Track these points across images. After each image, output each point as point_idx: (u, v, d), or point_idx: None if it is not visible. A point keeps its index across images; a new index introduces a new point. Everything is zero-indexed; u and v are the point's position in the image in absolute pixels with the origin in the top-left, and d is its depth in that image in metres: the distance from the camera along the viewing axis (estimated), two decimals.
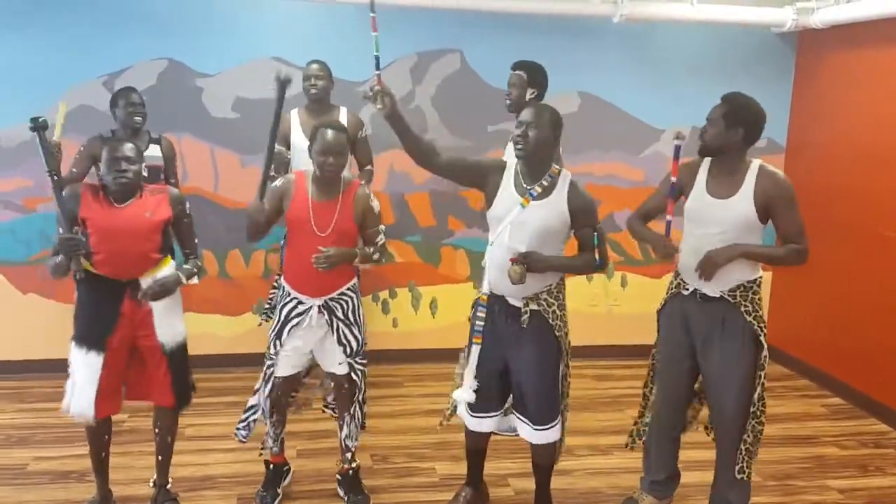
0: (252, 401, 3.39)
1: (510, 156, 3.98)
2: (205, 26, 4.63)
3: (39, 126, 2.91)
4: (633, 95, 5.09)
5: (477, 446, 3.35)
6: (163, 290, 2.99)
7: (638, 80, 5.07)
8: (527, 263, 2.85)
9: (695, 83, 5.04)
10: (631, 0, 4.59)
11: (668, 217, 3.00)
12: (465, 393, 3.12)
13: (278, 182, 3.21)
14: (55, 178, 2.92)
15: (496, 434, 3.31)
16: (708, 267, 2.90)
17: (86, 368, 2.99)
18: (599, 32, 4.93)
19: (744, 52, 5.13)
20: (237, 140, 4.76)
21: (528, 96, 3.90)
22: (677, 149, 2.94)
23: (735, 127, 2.88)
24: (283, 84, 3.00)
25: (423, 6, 4.56)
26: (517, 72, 3.91)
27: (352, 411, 3.37)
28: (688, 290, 3.06)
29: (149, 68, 4.61)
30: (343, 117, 4.23)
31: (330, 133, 3.06)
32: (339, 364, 3.28)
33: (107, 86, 4.52)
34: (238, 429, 3.41)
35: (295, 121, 4.20)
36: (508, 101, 3.93)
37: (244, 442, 3.42)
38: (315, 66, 4.15)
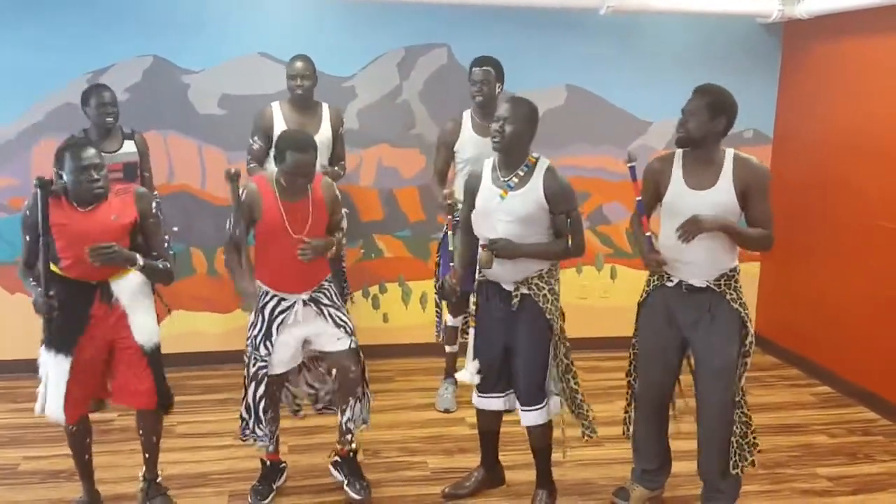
0: (243, 410, 3.34)
1: (468, 138, 4.08)
2: (190, 23, 4.60)
3: (44, 184, 2.85)
4: (620, 88, 5.09)
5: (487, 427, 3.41)
6: (113, 253, 2.84)
7: (625, 72, 5.07)
8: (494, 250, 2.97)
9: (681, 75, 5.00)
10: None
11: (647, 234, 3.02)
12: (465, 374, 3.23)
13: (241, 193, 3.14)
14: (46, 237, 2.86)
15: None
16: (692, 228, 2.86)
17: (56, 371, 2.96)
18: (586, 25, 4.93)
19: (730, 44, 5.14)
20: (224, 137, 4.74)
21: (497, 90, 3.99)
22: (632, 170, 2.99)
23: (719, 116, 2.90)
24: (234, 178, 3.07)
25: (410, 0, 4.56)
26: (484, 68, 3.99)
27: (358, 395, 3.36)
28: (672, 281, 3.08)
29: (134, 65, 4.59)
30: (325, 113, 4.23)
31: (300, 156, 3.02)
32: (339, 339, 3.28)
33: (91, 83, 4.47)
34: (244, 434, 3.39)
35: (277, 115, 4.17)
36: (480, 98, 4.00)
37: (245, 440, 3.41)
38: (300, 64, 4.11)
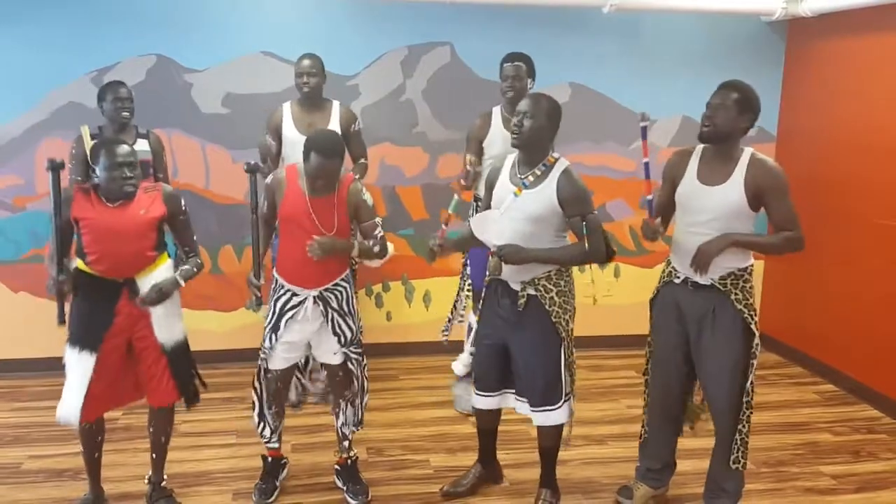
0: (255, 397, 3.39)
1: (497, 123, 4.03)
2: (193, 21, 4.60)
3: (56, 167, 2.86)
4: (623, 86, 5.09)
5: (485, 425, 3.42)
6: (161, 295, 2.99)
7: (628, 70, 5.07)
8: (502, 256, 2.95)
9: (685, 73, 5.05)
10: None
11: (648, 197, 3.01)
12: (459, 364, 3.21)
13: (268, 180, 3.21)
14: (58, 218, 2.87)
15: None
16: (703, 259, 2.89)
17: (78, 369, 2.96)
18: (589, 23, 4.92)
19: (733, 41, 5.13)
20: (228, 135, 4.74)
21: (528, 86, 3.92)
22: (644, 129, 2.98)
23: (746, 113, 2.89)
24: (254, 171, 3.12)
25: None
26: (516, 63, 3.91)
27: (348, 398, 3.37)
28: (679, 278, 3.07)
29: (137, 64, 4.59)
30: (335, 112, 4.21)
31: (322, 159, 2.98)
32: (335, 354, 3.29)
33: (95, 82, 4.49)
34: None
35: (287, 114, 4.17)
36: (511, 93, 3.91)
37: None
38: (307, 62, 4.11)
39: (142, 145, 4.07)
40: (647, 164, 2.99)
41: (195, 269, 3.13)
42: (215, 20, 4.63)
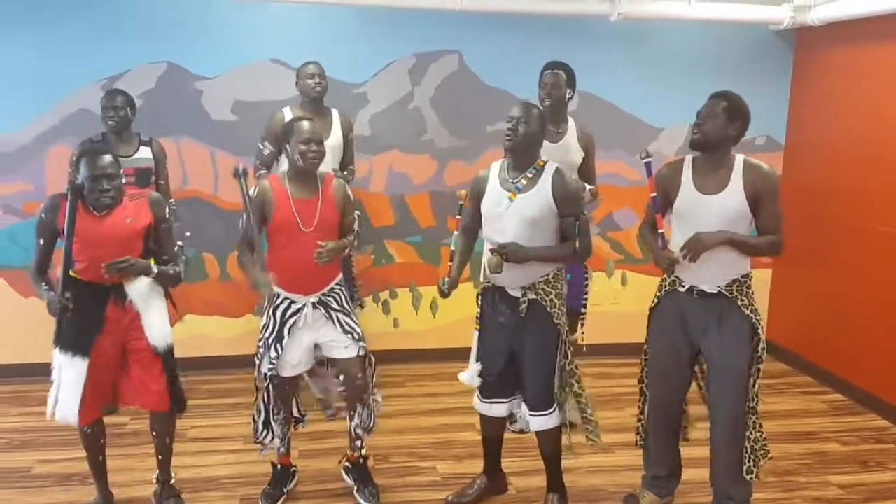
0: (255, 412, 3.40)
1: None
2: (203, 29, 4.64)
3: (76, 189, 2.87)
4: (631, 94, 5.10)
5: (490, 434, 3.42)
6: (128, 266, 2.91)
7: (636, 78, 5.08)
8: (504, 254, 2.97)
9: (693, 81, 5.04)
10: None
11: (661, 230, 3.03)
12: (467, 375, 3.24)
13: (253, 192, 3.18)
14: (70, 240, 2.89)
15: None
16: (696, 246, 2.90)
17: (72, 373, 2.99)
18: (597, 31, 4.94)
19: (741, 50, 5.13)
20: (236, 142, 4.77)
21: (567, 95, 3.90)
22: (648, 165, 3.01)
23: (735, 121, 2.93)
24: (241, 176, 3.11)
25: (420, 7, 4.58)
26: (556, 71, 3.87)
27: (365, 400, 3.37)
28: (684, 286, 3.08)
29: (148, 72, 4.63)
30: (336, 118, 4.27)
31: (305, 123, 3.13)
32: (346, 347, 3.29)
33: (105, 89, 4.49)
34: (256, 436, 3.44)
35: (289, 119, 4.19)
36: (549, 101, 3.86)
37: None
38: (313, 66, 4.17)
39: (144, 153, 4.11)
40: (654, 199, 3.03)
41: (172, 272, 3.10)
42: (225, 28, 4.66)
